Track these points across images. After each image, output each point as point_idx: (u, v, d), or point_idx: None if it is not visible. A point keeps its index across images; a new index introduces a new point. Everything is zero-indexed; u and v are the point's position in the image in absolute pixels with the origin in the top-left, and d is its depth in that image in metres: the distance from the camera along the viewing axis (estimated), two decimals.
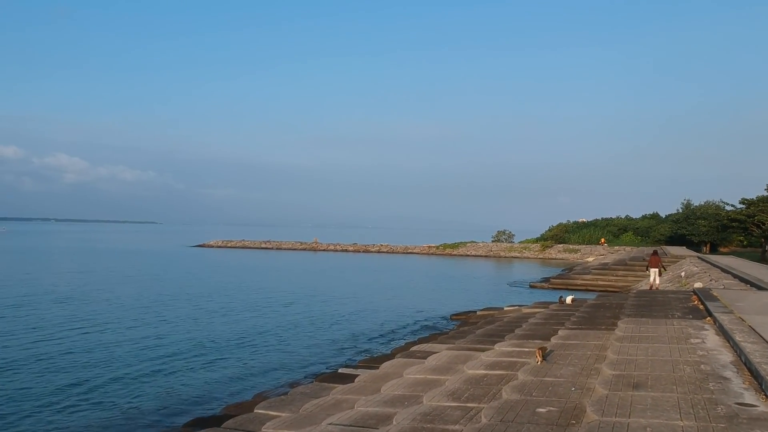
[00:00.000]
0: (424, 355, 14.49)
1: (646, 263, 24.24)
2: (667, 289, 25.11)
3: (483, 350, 13.36)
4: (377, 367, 13.82)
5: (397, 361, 13.93)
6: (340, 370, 14.66)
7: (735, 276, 25.44)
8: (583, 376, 9.01)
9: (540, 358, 10.37)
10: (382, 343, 20.30)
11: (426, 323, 24.66)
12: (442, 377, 11.12)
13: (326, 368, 16.24)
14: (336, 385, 13.06)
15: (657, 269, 23.25)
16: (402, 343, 19.85)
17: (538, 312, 20.25)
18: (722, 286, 21.19)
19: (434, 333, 21.37)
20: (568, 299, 20.22)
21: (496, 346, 12.87)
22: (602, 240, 79.40)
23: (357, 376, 13.07)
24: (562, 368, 9.63)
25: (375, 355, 17.70)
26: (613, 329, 13.31)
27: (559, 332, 13.22)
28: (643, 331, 11.64)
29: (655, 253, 24.53)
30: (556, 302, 22.73)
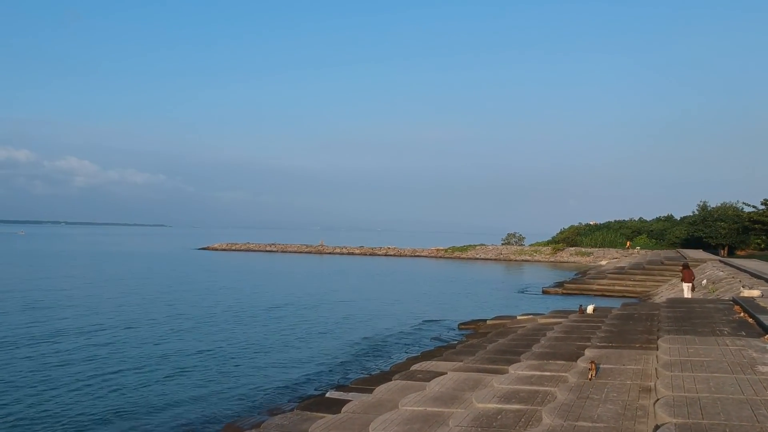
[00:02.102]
0: (427, 376, 12.43)
1: (680, 276, 21.70)
2: (694, 296, 22.82)
3: (496, 373, 11.28)
4: (371, 391, 11.79)
5: (395, 384, 11.88)
6: (328, 394, 12.62)
7: None
8: (628, 420, 6.91)
9: (594, 372, 9.28)
10: (382, 357, 18.22)
11: (431, 333, 22.55)
12: (446, 410, 9.06)
13: (315, 389, 14.20)
14: (319, 415, 11.03)
15: (690, 284, 20.88)
16: (404, 357, 17.78)
17: (556, 323, 18.12)
18: (760, 294, 18.95)
19: (440, 346, 19.28)
20: (590, 308, 18.07)
21: (512, 369, 10.78)
22: (628, 243, 76.56)
23: (346, 402, 11.02)
24: (599, 406, 7.53)
25: (372, 373, 15.64)
26: (652, 349, 11.17)
27: (586, 352, 11.11)
28: (693, 353, 9.51)
29: (686, 266, 22.02)
30: (574, 311, 20.57)
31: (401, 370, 14.15)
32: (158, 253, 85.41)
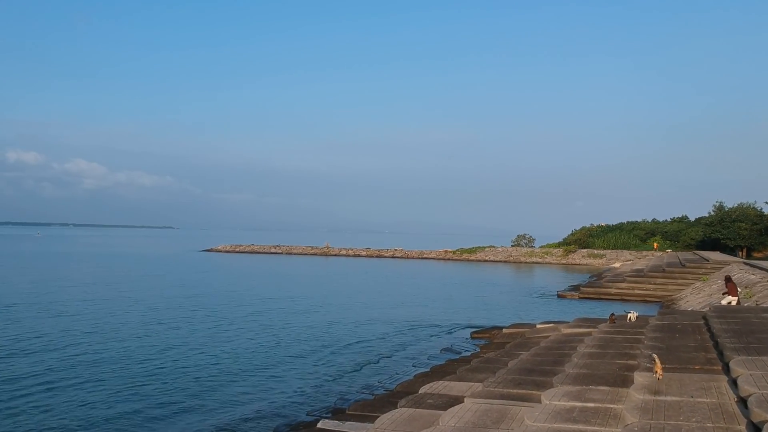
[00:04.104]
0: (439, 402, 10.36)
1: (725, 290, 19.41)
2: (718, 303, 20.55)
3: (525, 401, 9.19)
4: (373, 420, 9.75)
5: (400, 413, 9.81)
6: (320, 423, 10.54)
7: None
8: None
9: (660, 372, 8.66)
10: (385, 371, 16.09)
11: (441, 343, 20.43)
12: None
13: (306, 413, 12.10)
14: None
15: (737, 298, 18.63)
16: (411, 372, 15.70)
17: (584, 334, 15.99)
18: None
19: (451, 359, 17.17)
20: (632, 316, 15.92)
21: (545, 397, 8.68)
22: (656, 245, 73.82)
23: None
24: None
25: (375, 392, 13.57)
26: (717, 372, 9.05)
27: (636, 376, 8.99)
28: None
29: (730, 279, 19.71)
30: (603, 319, 18.41)
31: (408, 391, 12.10)
32: (160, 255, 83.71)
